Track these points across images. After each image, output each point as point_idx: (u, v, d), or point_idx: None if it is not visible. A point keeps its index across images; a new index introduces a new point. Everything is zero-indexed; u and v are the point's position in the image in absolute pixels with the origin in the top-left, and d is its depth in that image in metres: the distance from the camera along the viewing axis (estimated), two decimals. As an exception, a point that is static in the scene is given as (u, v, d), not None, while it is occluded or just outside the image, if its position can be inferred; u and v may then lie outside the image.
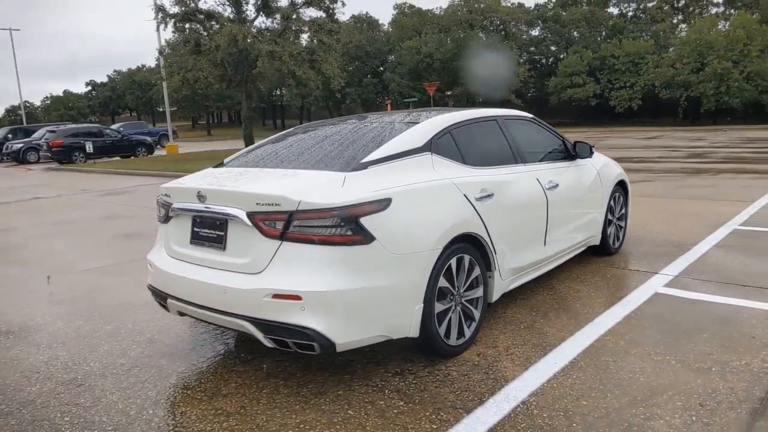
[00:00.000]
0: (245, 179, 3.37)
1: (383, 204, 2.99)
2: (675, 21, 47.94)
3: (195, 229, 3.33)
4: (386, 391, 3.12)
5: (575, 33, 47.39)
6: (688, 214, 7.62)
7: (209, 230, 3.24)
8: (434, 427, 2.74)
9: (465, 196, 3.51)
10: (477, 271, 3.58)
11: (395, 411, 2.90)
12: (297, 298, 2.81)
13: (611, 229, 5.55)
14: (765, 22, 39.12)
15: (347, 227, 2.85)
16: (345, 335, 2.88)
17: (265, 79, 23.23)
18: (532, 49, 49.42)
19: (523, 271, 4.13)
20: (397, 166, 3.31)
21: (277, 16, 22.31)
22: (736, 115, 39.52)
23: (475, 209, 3.55)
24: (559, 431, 2.65)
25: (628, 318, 3.99)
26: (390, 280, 3.00)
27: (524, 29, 49.49)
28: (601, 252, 5.57)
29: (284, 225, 2.90)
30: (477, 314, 3.62)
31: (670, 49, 43.44)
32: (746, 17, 39.28)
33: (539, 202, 4.26)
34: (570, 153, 5.00)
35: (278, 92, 52.09)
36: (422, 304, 3.17)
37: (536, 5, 49.80)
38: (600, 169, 5.36)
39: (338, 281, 2.85)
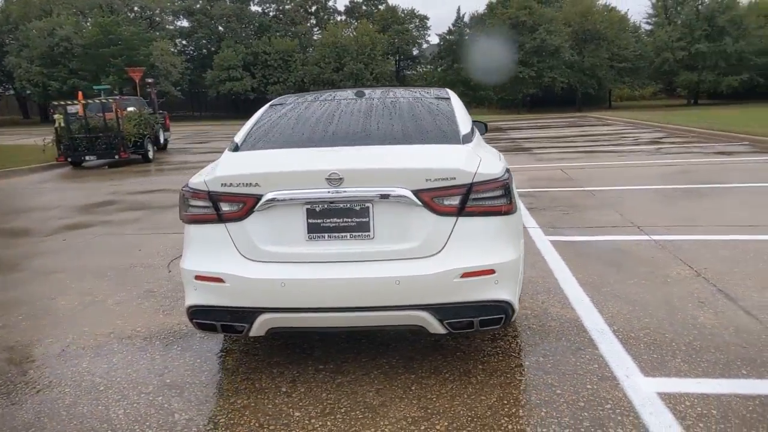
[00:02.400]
0: (363, 157, 2.92)
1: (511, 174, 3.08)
2: (309, 24, 53.11)
3: (313, 220, 2.73)
4: (513, 354, 3.25)
5: (221, 27, 47.91)
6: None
7: (343, 219, 2.72)
8: (595, 366, 3.06)
9: None
10: None
11: (549, 365, 3.09)
12: (491, 272, 2.72)
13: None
14: (382, 31, 47.07)
15: (508, 197, 2.87)
16: (517, 303, 2.91)
17: None
18: (183, 41, 47.86)
19: None
20: (476, 139, 3.38)
21: None
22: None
23: None
24: (669, 344, 3.29)
25: (569, 261, 4.90)
26: (522, 245, 3.13)
27: (171, 19, 47.47)
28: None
29: (461, 199, 2.73)
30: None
31: (309, 50, 48.12)
32: (368, 26, 46.46)
33: None
34: None
35: None
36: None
37: (180, -5, 48.24)
38: None
39: (513, 250, 2.86)
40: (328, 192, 2.70)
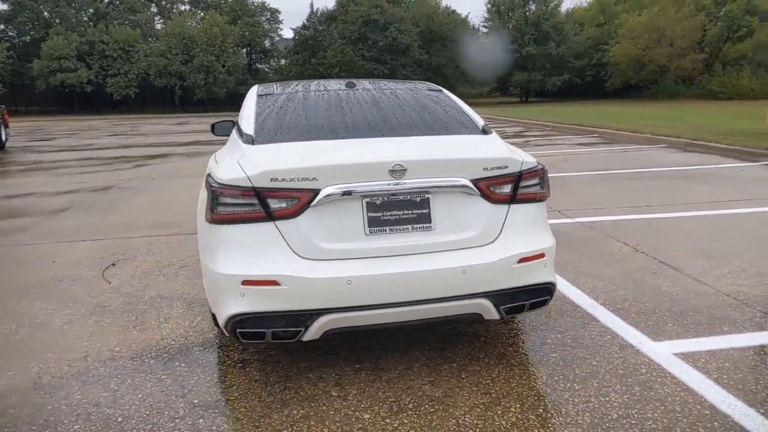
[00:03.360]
0: (421, 147, 2.85)
1: None
2: (150, 13, 49.37)
3: (373, 213, 2.61)
4: (532, 333, 3.42)
5: (46, 13, 42.72)
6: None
7: (404, 211, 2.64)
8: (609, 337, 3.33)
9: None
10: None
11: (570, 340, 3.30)
12: (541, 256, 2.83)
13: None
14: (231, 23, 45.26)
15: (545, 184, 3.01)
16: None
17: None
18: (1, 26, 41.65)
19: None
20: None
21: None
22: (220, 103, 44.43)
23: None
24: (654, 311, 3.66)
25: (521, 244, 5.21)
26: None
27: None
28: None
29: (512, 187, 2.80)
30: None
31: (150, 39, 44.79)
32: (216, 17, 44.38)
33: None
34: None
35: None
36: None
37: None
38: None
39: (551, 234, 3.01)
40: (388, 184, 2.62)
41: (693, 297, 3.88)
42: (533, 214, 2.91)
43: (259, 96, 3.56)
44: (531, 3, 52.21)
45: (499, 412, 2.60)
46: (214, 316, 3.22)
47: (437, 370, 2.99)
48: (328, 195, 2.56)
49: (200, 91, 41.80)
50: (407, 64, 45.85)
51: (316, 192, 2.56)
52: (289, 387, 2.86)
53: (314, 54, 42.81)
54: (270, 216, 2.57)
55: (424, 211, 2.68)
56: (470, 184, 2.70)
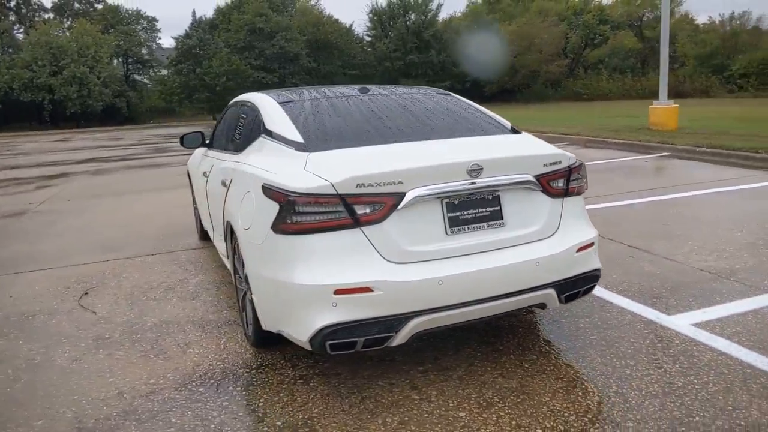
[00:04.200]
0: (490, 147, 2.96)
1: None
2: (10, 21, 44.73)
3: (453, 214, 2.66)
4: (563, 320, 3.62)
5: None
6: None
7: (479, 209, 2.71)
8: (629, 317, 3.62)
9: None
10: None
11: (599, 323, 3.55)
12: (592, 245, 3.03)
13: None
14: (104, 32, 42.27)
15: (586, 177, 3.22)
16: None
17: None
18: None
19: None
20: None
21: None
22: (96, 117, 41.27)
23: None
24: (652, 290, 4.03)
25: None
26: None
27: None
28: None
29: (565, 182, 2.97)
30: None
31: (11, 50, 40.66)
32: (87, 26, 41.18)
33: None
34: None
35: None
36: None
37: None
38: None
39: (592, 224, 3.22)
40: (463, 184, 2.68)
41: (676, 274, 4.31)
42: (580, 206, 3.12)
43: (282, 103, 3.46)
44: (411, 13, 54.00)
45: (580, 394, 2.75)
46: (257, 333, 3.11)
47: (499, 363, 3.08)
48: (415, 197, 2.57)
49: (73, 105, 38.53)
50: (296, 72, 45.50)
51: (402, 195, 2.56)
52: (367, 397, 2.81)
53: (199, 63, 41.06)
54: (357, 222, 2.53)
55: (496, 208, 2.78)
56: (534, 180, 2.84)
